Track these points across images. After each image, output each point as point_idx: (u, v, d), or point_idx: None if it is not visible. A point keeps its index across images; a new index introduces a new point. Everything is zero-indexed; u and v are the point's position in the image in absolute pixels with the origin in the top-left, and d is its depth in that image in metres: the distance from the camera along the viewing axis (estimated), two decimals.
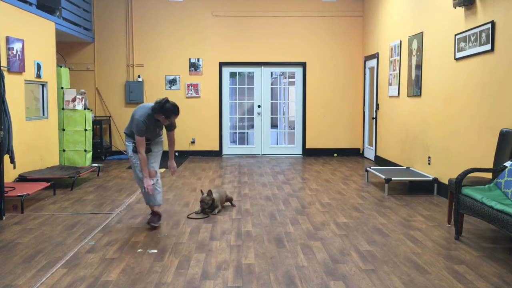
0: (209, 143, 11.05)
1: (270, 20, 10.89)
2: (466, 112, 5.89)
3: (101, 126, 10.17)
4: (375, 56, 9.84)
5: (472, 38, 5.69)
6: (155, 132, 4.98)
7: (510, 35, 4.98)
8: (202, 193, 5.57)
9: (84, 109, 8.86)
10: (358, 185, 7.40)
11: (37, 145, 7.48)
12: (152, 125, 4.87)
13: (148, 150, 5.02)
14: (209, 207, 5.51)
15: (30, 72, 7.29)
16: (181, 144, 11.01)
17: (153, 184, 4.92)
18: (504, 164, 4.55)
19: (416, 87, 7.52)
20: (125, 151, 10.85)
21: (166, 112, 4.76)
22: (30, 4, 7.40)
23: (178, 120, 10.87)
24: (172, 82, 10.87)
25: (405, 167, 7.71)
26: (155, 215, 5.03)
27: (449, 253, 4.17)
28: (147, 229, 4.92)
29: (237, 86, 11.25)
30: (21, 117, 6.95)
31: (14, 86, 6.80)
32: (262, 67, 11.11)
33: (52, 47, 8.18)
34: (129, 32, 10.77)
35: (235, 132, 11.45)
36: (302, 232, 4.82)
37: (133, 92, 10.73)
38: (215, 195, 5.62)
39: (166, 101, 4.77)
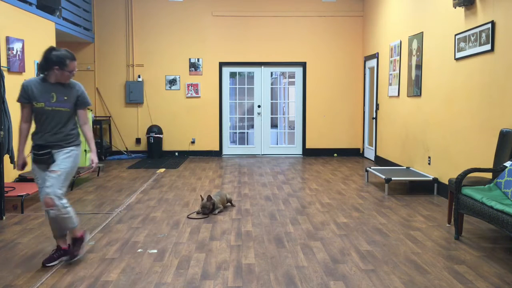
0: (209, 143, 11.05)
1: (270, 20, 10.89)
2: (466, 112, 5.89)
3: (101, 126, 10.17)
4: (375, 56, 9.84)
5: (472, 38, 5.69)
6: (50, 99, 3.78)
7: (510, 35, 4.98)
8: (202, 199, 5.59)
9: None
10: (358, 185, 7.40)
11: None
12: (43, 89, 3.80)
13: (51, 161, 3.81)
14: (210, 211, 5.54)
15: (30, 72, 7.29)
16: (181, 144, 11.01)
17: (53, 211, 3.73)
18: (504, 164, 4.55)
19: (416, 87, 7.52)
20: (125, 151, 10.86)
21: (56, 60, 3.75)
22: (30, 4, 7.39)
23: (178, 120, 10.89)
24: (172, 82, 10.87)
25: (405, 167, 7.71)
26: (75, 242, 3.94)
27: (449, 253, 4.17)
28: (147, 229, 4.92)
29: (237, 86, 11.25)
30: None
31: (14, 86, 6.79)
32: (262, 67, 11.11)
33: None
34: (129, 32, 10.77)
35: (235, 132, 11.45)
36: (302, 232, 4.82)
37: (133, 92, 10.73)
38: (216, 198, 5.64)
39: (50, 49, 3.81)
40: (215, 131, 11.04)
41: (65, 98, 3.83)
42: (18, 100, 3.83)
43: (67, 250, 3.97)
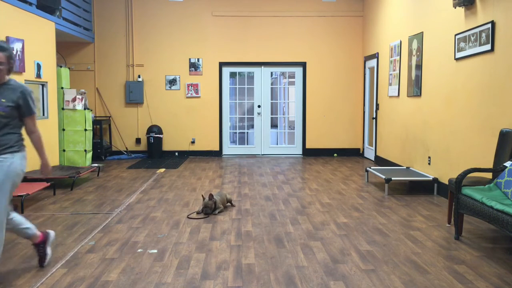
0: (209, 143, 11.05)
1: (270, 20, 10.89)
2: (466, 112, 5.89)
3: (101, 126, 10.17)
4: (375, 56, 9.84)
5: (472, 38, 5.69)
6: None
7: (510, 35, 4.98)
8: (204, 198, 5.59)
9: (84, 109, 8.86)
10: (358, 185, 7.40)
11: None
12: None
13: None
14: (212, 211, 5.55)
15: (30, 72, 7.29)
16: (181, 144, 11.01)
17: None
18: (504, 164, 4.55)
19: (416, 87, 7.52)
20: (125, 151, 10.86)
21: None
22: (30, 4, 7.39)
23: (178, 120, 10.89)
24: (172, 82, 10.87)
25: (405, 167, 7.71)
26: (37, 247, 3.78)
27: (449, 253, 4.17)
28: (147, 229, 4.92)
29: (237, 86, 11.25)
30: None
31: None
32: (262, 67, 11.11)
33: (52, 47, 8.18)
34: (129, 32, 10.77)
35: (235, 132, 11.45)
36: (302, 232, 4.82)
37: (133, 92, 10.73)
38: (216, 198, 5.65)
39: None
40: (215, 131, 11.04)
41: (3, 100, 3.44)
42: None
43: (43, 240, 3.81)
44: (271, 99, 11.43)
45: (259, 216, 5.48)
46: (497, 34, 5.22)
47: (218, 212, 5.57)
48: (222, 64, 10.97)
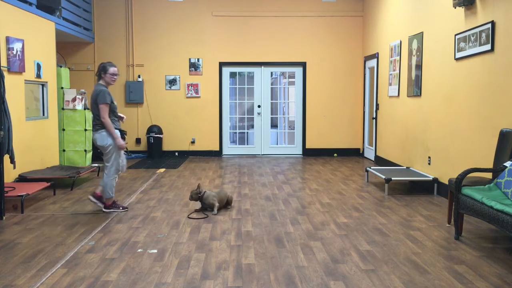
0: (209, 143, 11.05)
1: (270, 20, 10.89)
2: (466, 112, 5.89)
3: None
4: (375, 56, 9.84)
5: (472, 38, 5.70)
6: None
7: (510, 35, 4.98)
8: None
9: (84, 109, 8.86)
10: (358, 185, 7.40)
11: (37, 145, 7.48)
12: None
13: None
14: (201, 203, 5.63)
15: (30, 72, 7.29)
16: (181, 144, 11.01)
17: None
18: (504, 164, 4.55)
19: (416, 87, 7.52)
20: (125, 151, 10.84)
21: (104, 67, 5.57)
22: (30, 4, 7.39)
23: (178, 120, 10.89)
24: (172, 82, 10.87)
25: (405, 167, 7.71)
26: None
27: (449, 253, 4.17)
28: (147, 229, 4.92)
29: (237, 86, 11.25)
30: (21, 117, 6.95)
31: (14, 86, 6.80)
32: (262, 67, 11.11)
33: (52, 47, 8.18)
34: (129, 32, 10.77)
35: (235, 132, 11.45)
36: (302, 232, 4.82)
37: (133, 92, 10.73)
38: (215, 194, 5.66)
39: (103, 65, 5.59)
40: (215, 131, 11.04)
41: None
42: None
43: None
44: (271, 99, 11.43)
45: (259, 216, 5.48)
46: (497, 34, 5.22)
47: (210, 209, 5.59)
48: (222, 64, 10.97)
